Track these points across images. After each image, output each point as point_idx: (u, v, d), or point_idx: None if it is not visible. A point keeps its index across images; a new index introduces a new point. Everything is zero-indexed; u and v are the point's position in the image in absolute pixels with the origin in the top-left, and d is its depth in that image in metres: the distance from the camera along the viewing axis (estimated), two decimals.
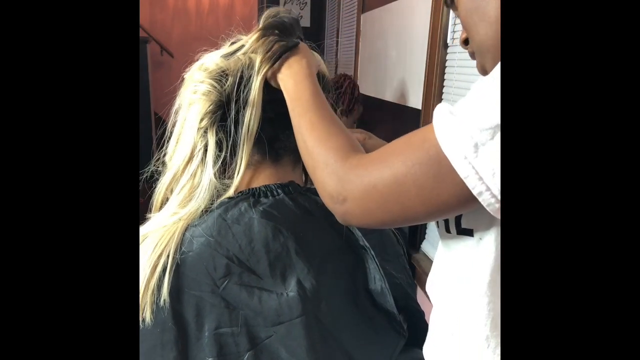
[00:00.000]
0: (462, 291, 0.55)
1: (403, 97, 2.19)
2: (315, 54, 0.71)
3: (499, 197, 0.41)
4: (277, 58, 0.63)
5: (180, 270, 0.58)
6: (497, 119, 0.39)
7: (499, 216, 0.43)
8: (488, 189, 0.41)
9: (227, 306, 0.57)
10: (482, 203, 0.42)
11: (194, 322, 0.57)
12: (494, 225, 0.49)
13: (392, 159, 0.47)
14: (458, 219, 0.53)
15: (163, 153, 0.67)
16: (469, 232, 0.53)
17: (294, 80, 0.62)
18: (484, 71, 0.56)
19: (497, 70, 0.42)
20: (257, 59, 0.63)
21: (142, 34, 4.26)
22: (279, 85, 0.64)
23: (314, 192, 0.63)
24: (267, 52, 0.63)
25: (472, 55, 0.57)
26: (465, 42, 0.57)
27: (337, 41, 3.54)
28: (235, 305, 0.57)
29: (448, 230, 0.55)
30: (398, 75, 2.24)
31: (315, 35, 3.99)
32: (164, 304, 0.56)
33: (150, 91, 3.93)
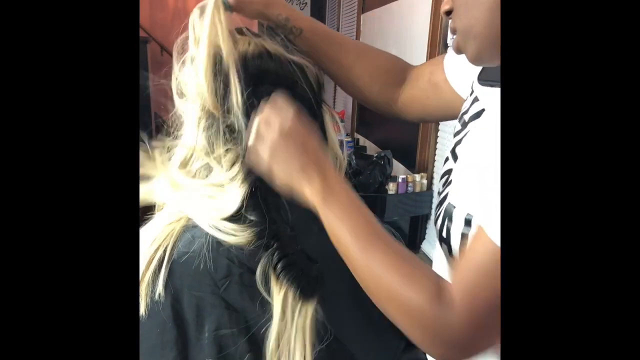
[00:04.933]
0: None
1: None
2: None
3: None
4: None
5: (181, 270, 0.57)
6: None
7: None
8: None
9: (227, 307, 0.57)
10: None
11: (194, 323, 0.57)
12: None
13: (484, 292, 0.43)
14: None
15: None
16: None
17: (322, 196, 0.51)
18: (460, 52, 0.53)
19: None
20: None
21: (142, 34, 4.26)
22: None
23: None
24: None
25: (453, 32, 0.53)
26: (448, 13, 0.53)
27: None
28: (236, 306, 0.57)
29: (451, 254, 0.55)
30: None
31: None
32: (160, 301, 0.56)
33: (150, 91, 3.92)
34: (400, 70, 0.77)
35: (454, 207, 0.56)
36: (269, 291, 0.57)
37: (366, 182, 2.10)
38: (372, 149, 2.91)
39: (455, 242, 0.55)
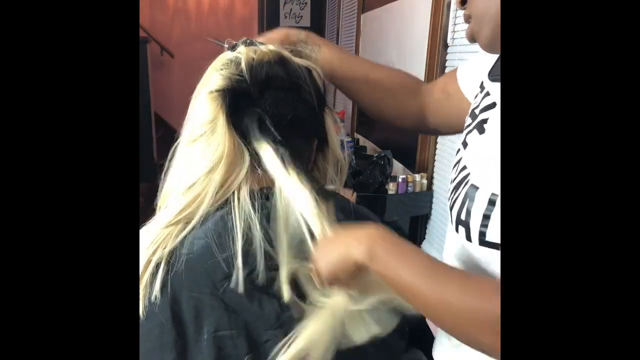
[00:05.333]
0: None
1: None
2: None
3: None
4: None
5: (180, 271, 0.57)
6: None
7: None
8: None
9: (226, 309, 0.57)
10: None
11: (193, 324, 0.56)
12: None
13: None
14: (482, 233, 0.53)
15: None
16: (494, 246, 0.52)
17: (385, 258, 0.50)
18: (473, 40, 0.54)
19: None
20: None
21: (142, 34, 4.26)
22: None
23: None
24: None
25: (467, 19, 0.54)
26: (463, 2, 0.54)
27: (337, 41, 3.54)
28: (235, 308, 0.57)
29: (469, 239, 0.55)
30: None
31: None
32: (156, 303, 0.56)
33: (150, 91, 3.93)
34: (413, 84, 0.80)
35: (477, 187, 0.55)
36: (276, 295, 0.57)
37: (366, 182, 2.10)
38: (372, 149, 2.91)
39: (475, 223, 0.54)
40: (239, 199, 0.61)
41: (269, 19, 4.04)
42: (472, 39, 0.54)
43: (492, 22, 0.51)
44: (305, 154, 0.66)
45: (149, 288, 0.56)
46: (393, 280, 0.49)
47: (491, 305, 0.43)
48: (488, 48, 0.53)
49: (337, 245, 0.53)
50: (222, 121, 0.60)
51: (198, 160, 0.61)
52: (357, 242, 0.51)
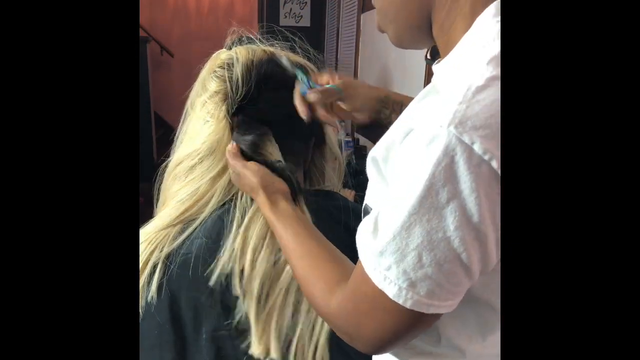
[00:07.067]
0: None
1: None
2: None
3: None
4: None
5: (179, 271, 0.57)
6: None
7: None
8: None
9: (224, 308, 0.57)
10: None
11: (191, 324, 0.57)
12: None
13: (361, 301, 0.45)
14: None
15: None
16: None
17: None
18: (382, 31, 0.54)
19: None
20: None
21: (142, 34, 4.26)
22: None
23: (314, 194, 0.63)
24: None
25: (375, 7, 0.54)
26: None
27: (337, 41, 3.54)
28: (233, 307, 0.57)
29: None
30: (398, 76, 2.23)
31: (315, 35, 3.99)
32: (153, 303, 0.56)
33: (150, 91, 3.93)
34: None
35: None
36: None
37: (366, 182, 2.10)
38: (372, 148, 2.91)
39: None
40: (240, 198, 0.61)
41: (269, 19, 4.04)
42: (381, 30, 0.54)
43: (393, 24, 0.51)
44: (301, 153, 0.67)
45: (147, 288, 0.56)
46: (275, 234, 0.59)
47: (312, 286, 0.52)
48: (396, 44, 0.54)
49: (247, 186, 0.60)
50: (225, 126, 0.60)
51: (202, 166, 0.61)
52: (255, 195, 0.59)
